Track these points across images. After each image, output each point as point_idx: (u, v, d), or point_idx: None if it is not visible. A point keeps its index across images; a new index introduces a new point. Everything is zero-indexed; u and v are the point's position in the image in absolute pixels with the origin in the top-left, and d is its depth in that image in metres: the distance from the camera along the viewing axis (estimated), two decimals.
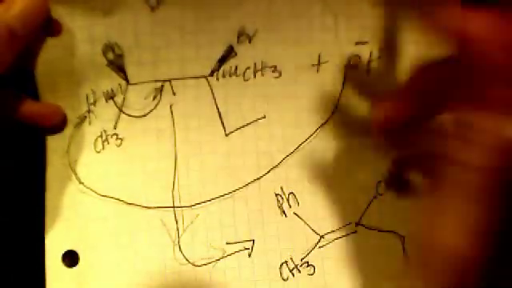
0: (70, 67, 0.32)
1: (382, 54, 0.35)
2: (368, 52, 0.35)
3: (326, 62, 0.35)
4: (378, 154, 0.35)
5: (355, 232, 0.35)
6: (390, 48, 0.35)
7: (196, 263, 0.33)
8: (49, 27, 0.31)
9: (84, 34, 0.31)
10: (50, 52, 0.31)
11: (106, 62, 0.32)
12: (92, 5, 0.31)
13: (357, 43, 0.35)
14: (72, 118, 0.33)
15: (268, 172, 0.34)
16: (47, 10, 0.30)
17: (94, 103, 0.33)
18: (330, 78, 0.35)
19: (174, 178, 0.33)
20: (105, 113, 0.33)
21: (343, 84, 0.35)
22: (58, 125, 0.32)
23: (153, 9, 0.31)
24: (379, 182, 0.35)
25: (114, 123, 0.33)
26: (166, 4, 0.31)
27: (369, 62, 0.35)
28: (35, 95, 0.32)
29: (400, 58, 0.35)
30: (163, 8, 0.31)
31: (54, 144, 0.32)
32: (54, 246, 0.32)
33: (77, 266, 0.32)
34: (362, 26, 0.35)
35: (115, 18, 0.31)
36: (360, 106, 0.35)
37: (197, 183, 0.33)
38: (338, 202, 0.35)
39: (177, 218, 0.33)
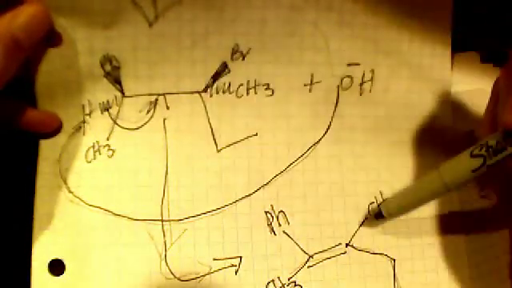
0: (69, 77, 0.32)
1: (375, 76, 0.36)
2: (360, 73, 0.35)
3: (319, 82, 0.35)
4: (370, 175, 0.35)
5: (345, 253, 0.34)
6: (382, 70, 0.36)
7: (182, 278, 0.33)
8: (50, 38, 0.31)
9: (83, 45, 0.32)
10: (50, 62, 0.32)
11: (103, 74, 0.33)
12: (93, 18, 0.31)
13: (349, 65, 0.35)
14: (67, 127, 0.33)
15: (258, 189, 0.34)
16: (50, 22, 0.31)
17: (90, 114, 0.33)
18: (322, 98, 0.35)
19: (164, 191, 0.33)
20: (99, 124, 0.33)
21: (336, 104, 0.35)
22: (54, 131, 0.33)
23: (151, 24, 0.32)
24: (371, 203, 0.35)
25: (107, 135, 0.33)
26: (164, 20, 0.32)
27: (361, 83, 0.35)
28: (33, 103, 0.32)
29: (392, 80, 0.36)
30: (161, 24, 0.32)
31: (46, 152, 0.32)
32: (41, 254, 0.32)
33: (63, 275, 0.32)
34: (354, 48, 0.35)
35: (114, 31, 0.32)
36: (352, 127, 0.36)
37: (186, 198, 0.33)
38: (329, 222, 0.35)
39: (164, 231, 0.33)
